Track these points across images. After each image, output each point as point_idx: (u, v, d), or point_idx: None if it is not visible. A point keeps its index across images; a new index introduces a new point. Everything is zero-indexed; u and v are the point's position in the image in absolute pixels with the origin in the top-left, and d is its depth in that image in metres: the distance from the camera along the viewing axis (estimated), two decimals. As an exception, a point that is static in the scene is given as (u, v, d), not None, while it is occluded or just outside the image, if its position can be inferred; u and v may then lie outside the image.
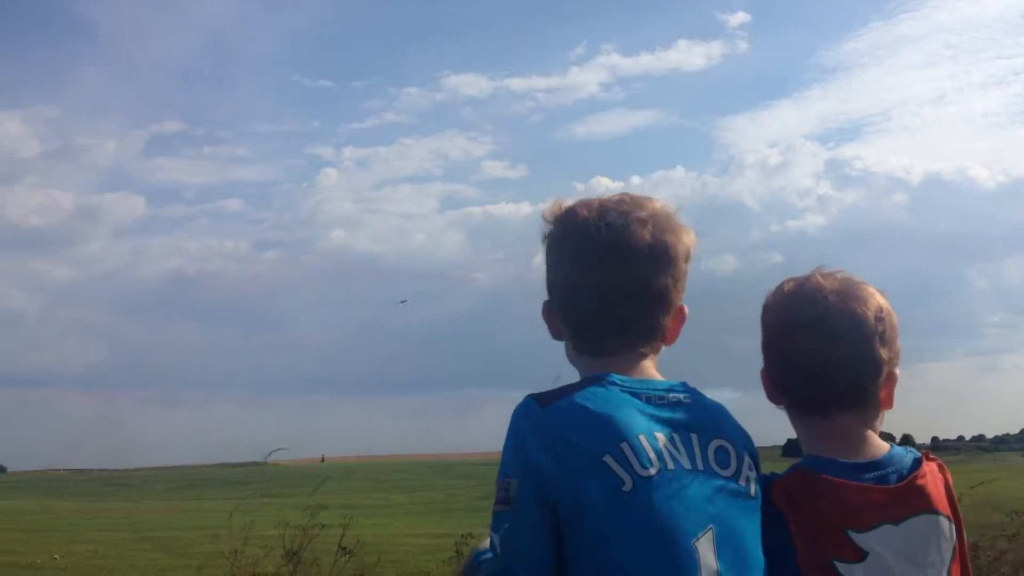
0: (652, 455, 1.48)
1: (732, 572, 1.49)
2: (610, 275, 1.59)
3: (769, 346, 1.77)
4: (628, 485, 1.45)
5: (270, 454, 7.66)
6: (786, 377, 1.74)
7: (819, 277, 1.75)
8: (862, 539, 1.62)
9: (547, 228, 1.69)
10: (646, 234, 1.60)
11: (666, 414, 1.55)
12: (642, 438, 1.49)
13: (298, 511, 6.98)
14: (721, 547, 1.49)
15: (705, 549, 1.47)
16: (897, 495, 1.67)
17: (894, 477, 1.69)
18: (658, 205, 1.65)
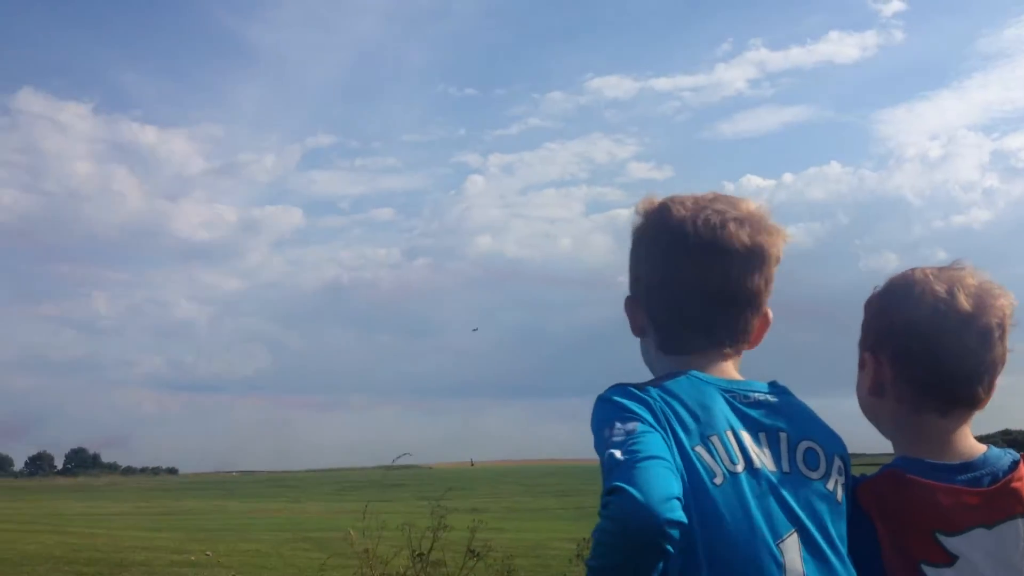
0: (739, 452, 1.47)
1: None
2: (706, 275, 1.57)
3: (906, 340, 1.67)
4: (719, 479, 1.44)
5: (396, 459, 7.68)
6: (924, 374, 1.66)
7: (960, 273, 1.69)
8: (952, 543, 1.57)
9: (638, 223, 1.67)
10: (743, 235, 1.58)
11: (752, 413, 1.53)
12: (729, 434, 1.48)
13: (424, 514, 7.06)
14: (808, 551, 1.46)
15: (791, 552, 1.44)
16: (991, 498, 1.61)
17: (988, 479, 1.63)
18: (753, 206, 1.63)
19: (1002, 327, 1.66)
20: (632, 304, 1.67)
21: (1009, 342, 1.69)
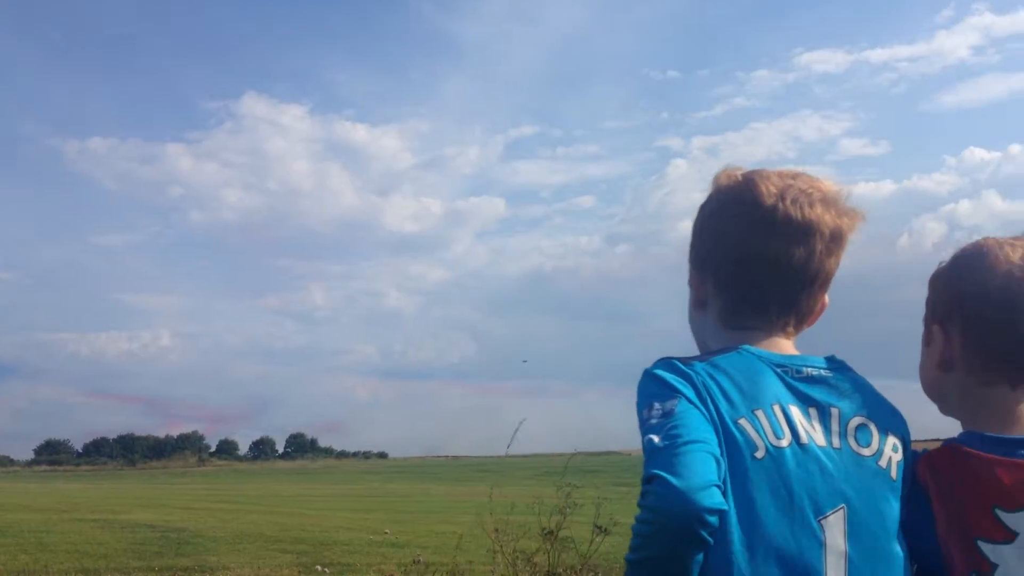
0: (785, 427, 1.45)
1: (863, 555, 1.43)
2: (791, 253, 1.55)
3: (979, 308, 1.62)
4: (761, 452, 1.42)
5: (512, 439, 7.91)
6: (996, 343, 1.60)
7: (1020, 242, 1.65)
8: (1012, 519, 1.51)
9: (716, 195, 1.63)
10: (829, 215, 1.56)
11: (803, 388, 1.51)
12: (776, 408, 1.46)
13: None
14: (853, 528, 1.43)
15: (834, 529, 1.42)
16: None
17: None
18: (835, 186, 1.60)
19: None
20: (699, 277, 1.63)
21: None
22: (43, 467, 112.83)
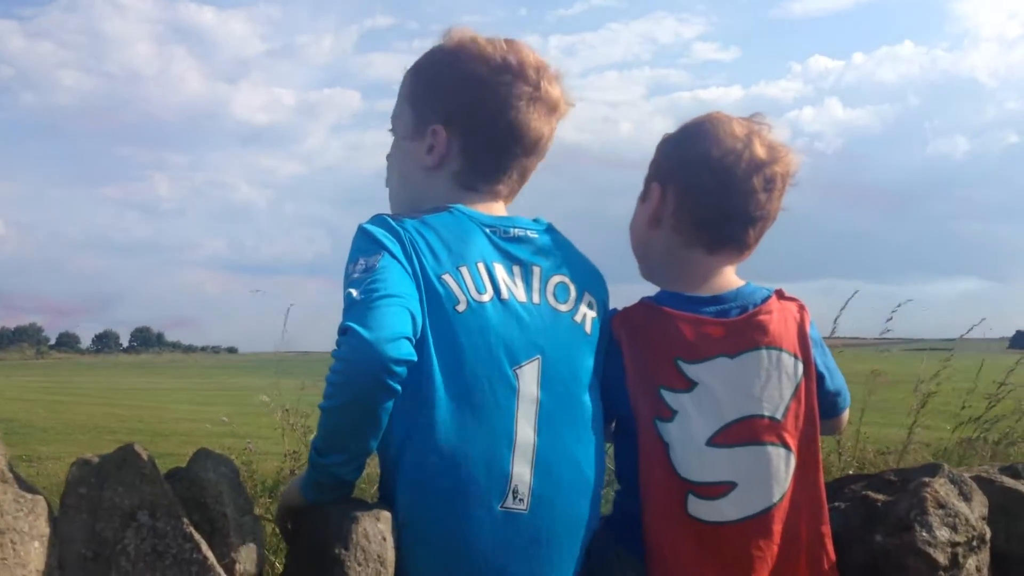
0: (488, 283, 1.54)
1: (554, 401, 1.54)
2: (538, 128, 1.70)
3: (698, 172, 1.74)
4: (462, 306, 1.50)
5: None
6: (704, 209, 1.73)
7: (760, 124, 1.77)
8: (692, 369, 1.64)
9: (481, 58, 1.68)
10: (555, 90, 1.71)
11: (510, 247, 1.60)
12: (480, 265, 1.55)
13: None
14: (546, 377, 1.54)
15: (528, 377, 1.52)
16: (735, 328, 1.68)
17: (736, 311, 1.70)
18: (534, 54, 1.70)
19: (784, 182, 1.76)
20: (446, 136, 1.66)
21: (784, 202, 1.77)
22: None
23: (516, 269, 1.59)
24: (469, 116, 1.65)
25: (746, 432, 1.64)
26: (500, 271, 1.56)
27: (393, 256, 1.47)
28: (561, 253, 1.65)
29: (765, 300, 1.72)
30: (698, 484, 1.62)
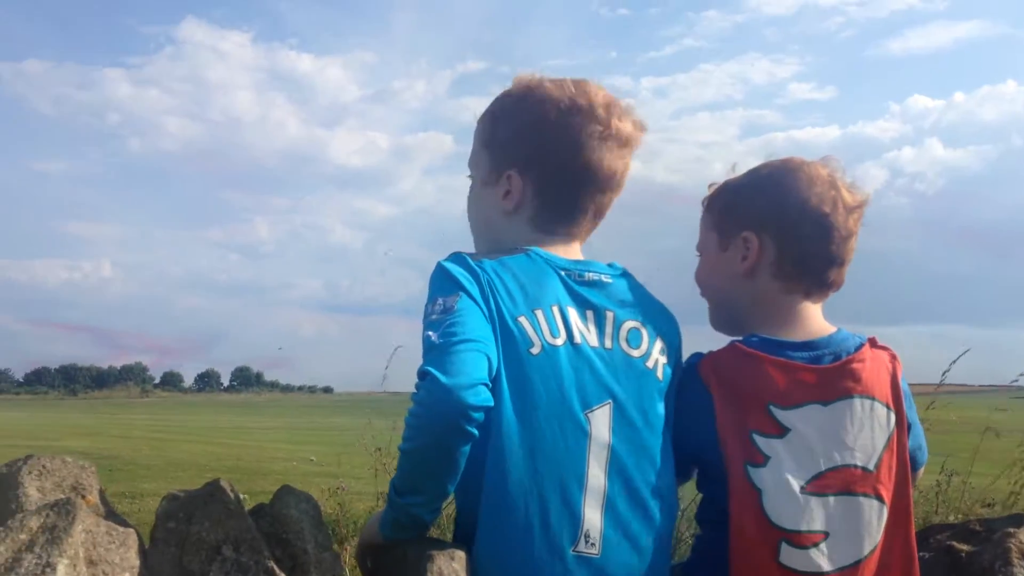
0: (562, 326, 1.56)
1: (626, 446, 1.54)
2: (611, 163, 1.69)
3: (799, 219, 1.74)
4: (536, 348, 1.52)
5: None
6: (808, 255, 1.74)
7: (835, 165, 1.79)
8: (785, 416, 1.62)
9: (544, 97, 1.69)
10: (629, 126, 1.71)
11: (584, 292, 1.62)
12: (555, 309, 1.57)
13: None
14: (617, 422, 1.55)
15: (599, 421, 1.53)
16: (828, 376, 1.66)
17: (829, 358, 1.68)
18: (609, 95, 1.71)
19: (860, 222, 1.78)
20: (519, 178, 1.68)
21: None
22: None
23: (589, 314, 1.60)
24: (542, 160, 1.66)
25: (840, 482, 1.61)
26: (573, 315, 1.58)
27: (471, 297, 1.49)
28: (634, 298, 1.66)
29: (858, 348, 1.70)
30: (792, 532, 1.58)
